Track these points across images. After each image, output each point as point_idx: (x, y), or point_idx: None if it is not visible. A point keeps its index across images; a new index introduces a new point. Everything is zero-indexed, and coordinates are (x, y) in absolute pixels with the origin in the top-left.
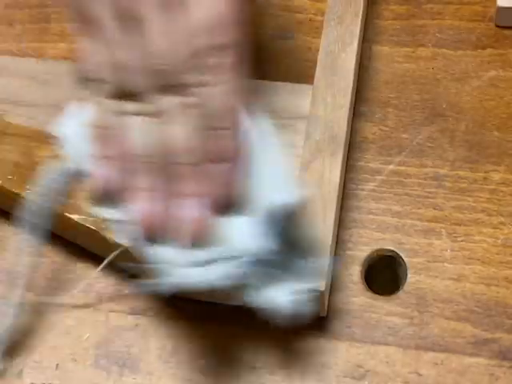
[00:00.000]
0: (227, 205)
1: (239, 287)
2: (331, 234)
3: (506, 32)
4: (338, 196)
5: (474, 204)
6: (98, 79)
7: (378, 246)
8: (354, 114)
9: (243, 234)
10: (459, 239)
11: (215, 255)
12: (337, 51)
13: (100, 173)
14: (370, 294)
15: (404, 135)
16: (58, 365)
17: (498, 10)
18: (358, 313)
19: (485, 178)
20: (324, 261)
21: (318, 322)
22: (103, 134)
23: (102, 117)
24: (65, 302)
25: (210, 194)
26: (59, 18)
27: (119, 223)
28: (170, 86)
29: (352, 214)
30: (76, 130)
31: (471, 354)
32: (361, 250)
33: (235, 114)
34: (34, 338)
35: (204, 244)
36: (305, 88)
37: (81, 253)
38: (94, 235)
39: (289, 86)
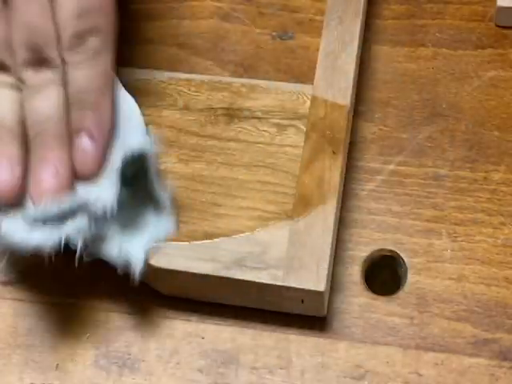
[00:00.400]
0: (87, 177)
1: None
2: (331, 235)
3: (506, 32)
4: (338, 196)
5: (474, 204)
6: None
7: (378, 246)
8: (353, 113)
9: (95, 188)
10: (459, 239)
11: (59, 209)
12: (337, 51)
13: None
14: (369, 294)
15: (404, 135)
16: (57, 365)
17: (498, 10)
18: (357, 313)
19: (485, 178)
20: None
21: (318, 321)
22: None
23: None
24: (65, 301)
25: (71, 166)
26: None
27: None
28: (41, 61)
29: (352, 213)
30: None
31: (471, 355)
32: (361, 250)
33: (103, 95)
34: (34, 338)
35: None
36: (305, 88)
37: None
38: None
39: (290, 86)
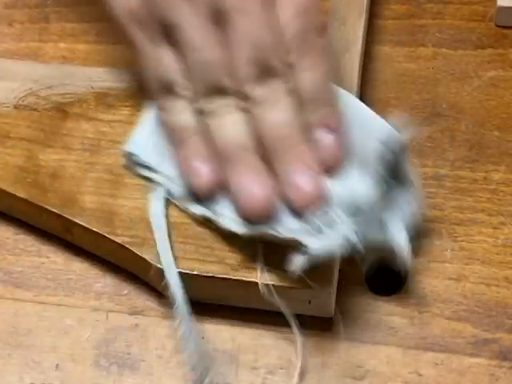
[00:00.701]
0: (335, 171)
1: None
2: None
3: (506, 32)
4: None
5: (474, 204)
6: (171, 83)
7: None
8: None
9: (357, 188)
10: (459, 239)
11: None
12: (341, 51)
13: (200, 173)
14: (370, 294)
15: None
16: (57, 365)
17: (498, 10)
18: (357, 313)
19: (485, 178)
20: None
21: (318, 321)
22: (183, 137)
23: (180, 120)
24: (64, 301)
25: (321, 165)
26: (59, 17)
27: (228, 217)
28: (267, 72)
29: None
30: (148, 143)
31: (471, 355)
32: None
33: (331, 91)
34: (34, 338)
35: (320, 209)
36: None
37: (81, 253)
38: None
39: None
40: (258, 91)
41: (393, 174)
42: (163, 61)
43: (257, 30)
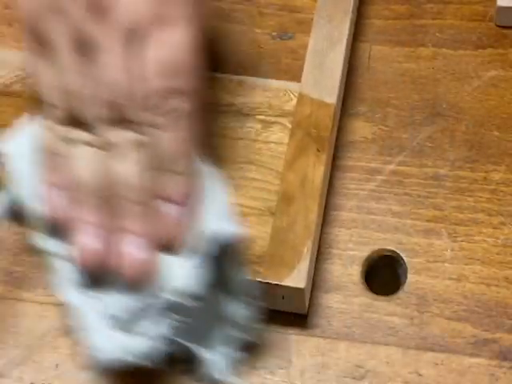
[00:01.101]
0: (171, 246)
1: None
2: (313, 232)
3: (506, 32)
4: (322, 194)
5: (474, 204)
6: (48, 103)
7: (378, 246)
8: (353, 113)
9: (180, 273)
10: (459, 239)
11: (148, 302)
12: (325, 49)
13: (48, 200)
14: (370, 294)
15: (404, 135)
16: (57, 365)
17: (498, 10)
18: (357, 313)
19: (485, 178)
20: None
21: (317, 322)
22: (51, 160)
23: (51, 142)
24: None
25: (155, 235)
26: None
27: (61, 258)
28: (123, 120)
29: (352, 214)
30: (24, 150)
31: (471, 355)
32: (361, 250)
33: (187, 160)
34: (34, 338)
35: (142, 284)
36: (292, 85)
37: None
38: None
39: (277, 82)
40: (109, 135)
41: (216, 274)
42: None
43: (120, 73)
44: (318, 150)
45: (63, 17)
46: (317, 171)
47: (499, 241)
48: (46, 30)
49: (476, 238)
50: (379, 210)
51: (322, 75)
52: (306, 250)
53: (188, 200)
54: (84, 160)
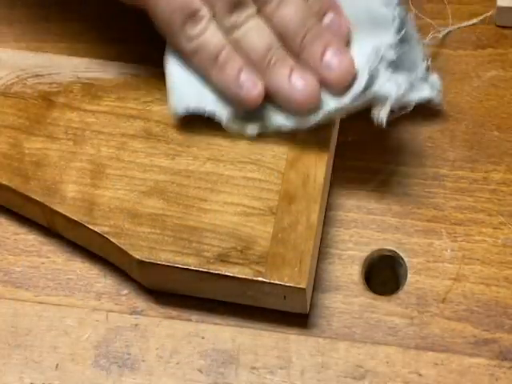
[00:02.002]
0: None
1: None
2: (315, 232)
3: (506, 32)
4: (323, 194)
5: (474, 204)
6: (191, 8)
7: (378, 246)
8: (353, 113)
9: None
10: (459, 239)
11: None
12: None
13: (249, 85)
14: (369, 294)
15: (404, 135)
16: (57, 365)
17: (498, 10)
18: (357, 313)
19: (485, 178)
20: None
21: (317, 322)
22: (226, 54)
23: (213, 40)
24: (64, 301)
25: (339, 37)
26: (59, 17)
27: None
28: None
29: (352, 214)
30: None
31: (471, 355)
32: (361, 250)
33: None
34: (34, 338)
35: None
36: None
37: (81, 253)
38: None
39: None
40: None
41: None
42: None
43: None
44: (320, 150)
45: None
46: (318, 171)
47: (499, 241)
48: None
49: (476, 237)
50: (379, 210)
51: None
52: (307, 250)
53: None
54: (254, 30)
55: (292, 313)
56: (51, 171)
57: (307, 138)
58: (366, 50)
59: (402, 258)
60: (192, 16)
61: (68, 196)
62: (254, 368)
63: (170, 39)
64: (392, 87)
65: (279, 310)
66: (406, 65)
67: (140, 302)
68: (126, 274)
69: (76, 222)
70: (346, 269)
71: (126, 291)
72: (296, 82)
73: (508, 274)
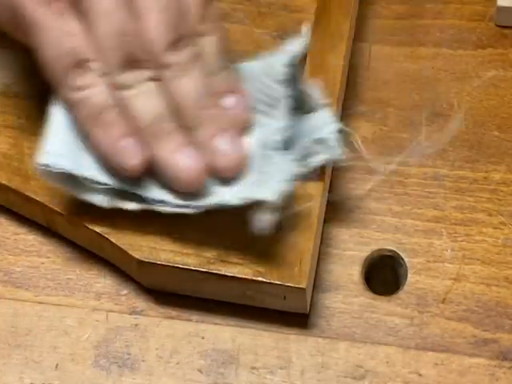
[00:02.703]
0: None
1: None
2: (315, 232)
3: (506, 32)
4: (324, 194)
5: (474, 204)
6: (80, 57)
7: (378, 246)
8: (353, 113)
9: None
10: (459, 239)
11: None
12: (326, 50)
13: (123, 153)
14: (369, 294)
15: (404, 135)
16: (57, 365)
17: (498, 10)
18: (357, 313)
19: (485, 178)
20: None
21: (317, 322)
22: (106, 115)
23: (100, 98)
24: (64, 301)
25: (235, 124)
26: None
27: (167, 202)
28: (178, 39)
29: (352, 214)
30: (67, 150)
31: (472, 355)
32: (361, 250)
33: (227, 55)
34: (34, 338)
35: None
36: None
37: (81, 253)
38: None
39: None
40: (170, 58)
41: (295, 91)
42: (70, 34)
43: (124, 24)
44: None
45: None
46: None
47: (499, 241)
48: None
49: (476, 237)
50: (379, 210)
51: (322, 75)
52: (307, 249)
53: (241, 85)
54: (146, 95)
55: (292, 313)
56: None
57: None
58: (258, 138)
59: (402, 258)
60: (79, 66)
61: (68, 196)
62: (254, 368)
63: (54, 85)
64: (275, 189)
65: (279, 310)
66: (304, 131)
67: (140, 302)
68: (126, 274)
69: (76, 222)
70: (346, 269)
71: (125, 291)
72: (181, 160)
73: (508, 274)
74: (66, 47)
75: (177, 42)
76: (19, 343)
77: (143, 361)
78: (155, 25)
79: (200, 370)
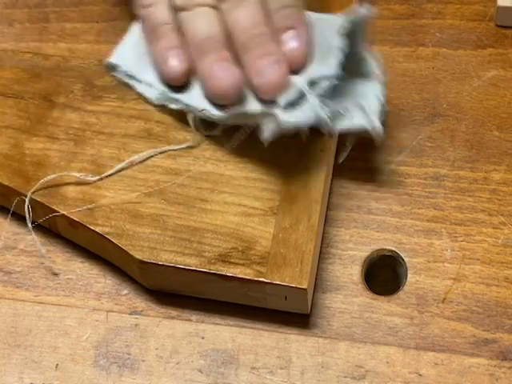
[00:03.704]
0: (301, 65)
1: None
2: (316, 232)
3: (506, 32)
4: (324, 194)
5: (474, 204)
6: None
7: (378, 246)
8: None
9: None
10: (459, 239)
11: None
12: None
13: (172, 61)
14: (369, 294)
15: (404, 135)
16: (57, 365)
17: (498, 10)
18: (357, 313)
19: (485, 178)
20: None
21: (318, 322)
22: (163, 29)
23: (157, 16)
24: (64, 301)
25: (287, 58)
26: (58, 17)
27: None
28: None
29: (352, 214)
30: (135, 57)
31: (472, 355)
32: (361, 250)
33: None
34: (34, 338)
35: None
36: None
37: (81, 253)
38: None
39: None
40: None
41: (352, 53)
42: None
43: None
44: (321, 150)
45: None
46: (319, 171)
47: (499, 241)
48: None
49: (476, 237)
50: (379, 210)
51: None
52: (308, 250)
53: (305, 24)
54: (203, 17)
55: (292, 313)
56: (52, 172)
57: (308, 137)
58: (306, 77)
59: (402, 258)
60: None
61: (68, 196)
62: (254, 368)
63: (131, 3)
64: (297, 116)
65: (280, 310)
66: (352, 94)
67: (140, 302)
68: (126, 274)
69: (76, 222)
70: (346, 269)
71: (125, 291)
72: (220, 69)
73: (508, 274)
74: None
75: None
76: (19, 343)
77: (143, 361)
78: None
79: (200, 370)
